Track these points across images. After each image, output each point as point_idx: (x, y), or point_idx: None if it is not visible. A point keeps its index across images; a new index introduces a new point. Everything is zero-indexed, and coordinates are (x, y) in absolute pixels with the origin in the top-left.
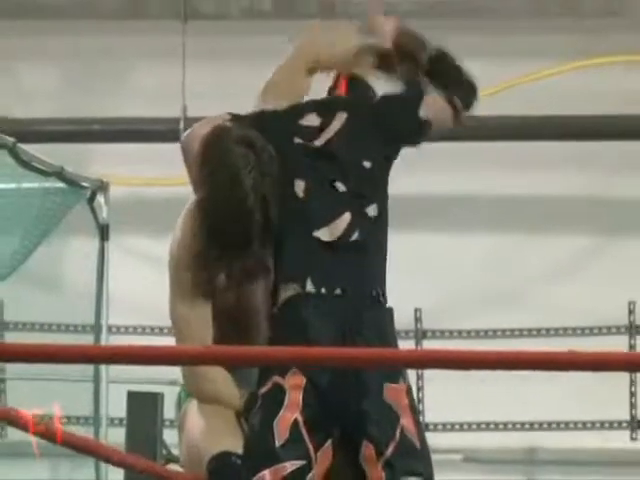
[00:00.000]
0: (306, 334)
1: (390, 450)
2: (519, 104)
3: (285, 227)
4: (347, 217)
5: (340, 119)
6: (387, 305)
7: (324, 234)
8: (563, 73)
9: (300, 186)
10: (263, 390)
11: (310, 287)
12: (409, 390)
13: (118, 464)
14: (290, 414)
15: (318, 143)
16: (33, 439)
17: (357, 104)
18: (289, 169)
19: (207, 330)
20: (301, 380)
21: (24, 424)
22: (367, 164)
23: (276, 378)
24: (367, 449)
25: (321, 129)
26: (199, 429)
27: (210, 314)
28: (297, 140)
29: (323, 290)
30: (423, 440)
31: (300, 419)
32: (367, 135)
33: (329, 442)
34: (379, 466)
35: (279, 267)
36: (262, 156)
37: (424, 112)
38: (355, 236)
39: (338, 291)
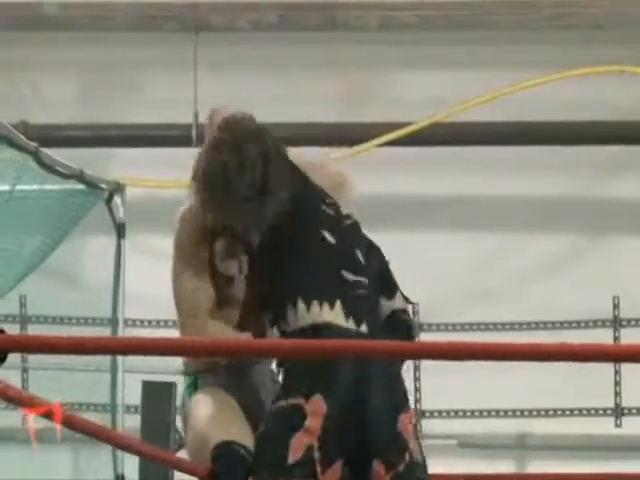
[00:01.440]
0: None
1: (398, 469)
2: (506, 111)
3: (314, 259)
4: (365, 280)
5: None
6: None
7: (350, 276)
8: (549, 82)
9: (330, 238)
10: (285, 403)
11: (339, 311)
12: (412, 414)
13: (134, 452)
14: (307, 438)
15: (343, 222)
16: (57, 427)
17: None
18: (318, 219)
19: (205, 299)
20: (322, 407)
21: (20, 403)
22: (374, 264)
23: (300, 400)
24: (378, 467)
25: None
26: (205, 419)
27: (209, 289)
28: (324, 207)
29: (351, 321)
30: (422, 452)
31: (315, 445)
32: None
33: (339, 462)
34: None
35: (300, 287)
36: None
37: None
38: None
39: (364, 328)
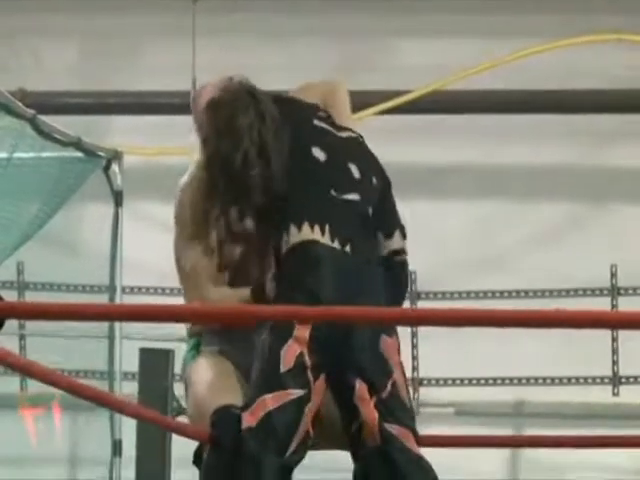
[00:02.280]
0: (319, 272)
1: (383, 395)
2: (506, 79)
3: (302, 180)
4: (357, 197)
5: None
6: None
7: (339, 196)
8: (548, 51)
9: (320, 154)
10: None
11: (327, 234)
12: (399, 348)
13: (132, 415)
14: (297, 346)
15: (338, 134)
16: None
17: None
18: (308, 138)
19: (206, 267)
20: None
21: (20, 369)
22: (374, 181)
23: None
24: (361, 387)
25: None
26: (205, 385)
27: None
28: (317, 122)
29: (336, 242)
30: (410, 399)
31: (305, 352)
32: (375, 171)
33: (322, 377)
34: (372, 405)
35: (292, 210)
36: (265, 113)
37: None
38: (365, 210)
39: (348, 248)
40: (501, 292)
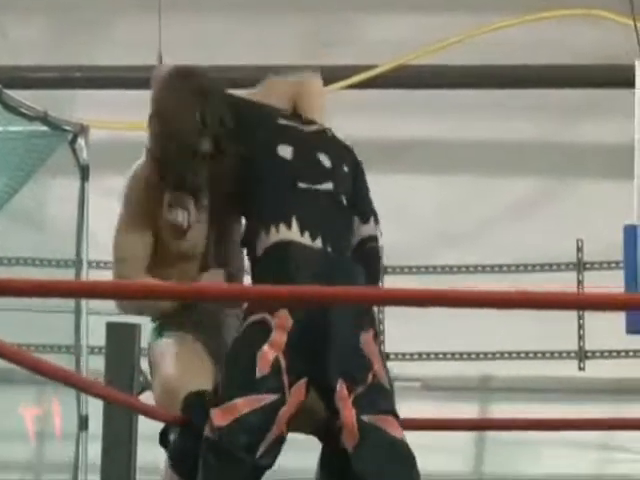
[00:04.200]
0: (291, 279)
1: (361, 389)
2: (472, 54)
3: (270, 178)
4: (330, 186)
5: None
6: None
7: (308, 187)
8: (517, 25)
9: (287, 150)
10: (250, 320)
11: (295, 228)
12: (376, 335)
13: (98, 396)
14: (273, 351)
15: (305, 128)
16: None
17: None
18: (272, 137)
19: (143, 252)
20: (288, 322)
21: None
22: (346, 169)
23: (265, 315)
24: (341, 388)
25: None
26: (172, 368)
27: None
28: (282, 121)
29: (307, 234)
30: (390, 380)
31: (281, 358)
32: (347, 160)
33: (303, 380)
34: (350, 402)
35: (260, 211)
36: (211, 116)
37: None
38: (339, 199)
39: (319, 242)
40: (468, 267)
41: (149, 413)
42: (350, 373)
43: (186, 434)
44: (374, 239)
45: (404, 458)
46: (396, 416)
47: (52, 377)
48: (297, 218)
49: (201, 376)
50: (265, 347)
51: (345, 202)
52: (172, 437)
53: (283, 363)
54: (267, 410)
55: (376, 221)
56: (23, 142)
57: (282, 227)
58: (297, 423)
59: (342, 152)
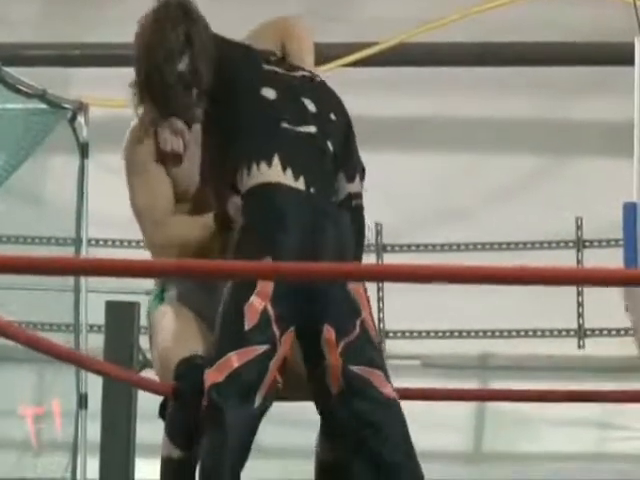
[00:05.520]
0: (284, 224)
1: (350, 338)
2: (473, 32)
3: (251, 116)
4: (313, 130)
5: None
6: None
7: (291, 128)
8: (514, 3)
9: (270, 92)
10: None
11: (277, 166)
12: (366, 290)
13: (98, 372)
14: (260, 301)
15: (291, 73)
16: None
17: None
18: (256, 80)
19: (165, 201)
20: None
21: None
22: (333, 117)
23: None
24: (328, 333)
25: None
26: (168, 335)
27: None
28: (267, 66)
29: (289, 173)
30: (380, 341)
31: (269, 307)
32: (336, 110)
33: (292, 329)
34: (338, 351)
35: (241, 148)
36: (195, 36)
37: None
38: (324, 145)
39: (312, 189)
40: (466, 244)
41: (148, 387)
42: (338, 319)
43: (180, 403)
44: (358, 196)
45: (393, 414)
46: (386, 374)
47: (52, 355)
48: (279, 157)
49: (195, 343)
50: (252, 298)
51: (331, 149)
52: (169, 407)
53: (272, 312)
54: (260, 360)
55: (362, 178)
56: (22, 120)
57: (263, 165)
58: (292, 391)
59: (331, 100)
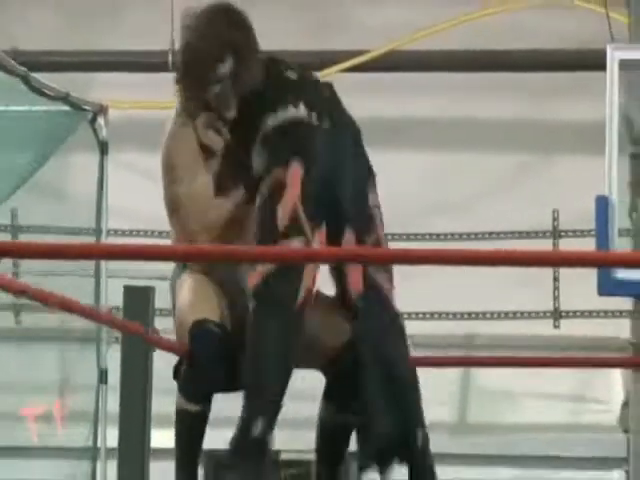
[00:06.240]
0: (311, 145)
1: (368, 242)
2: (460, 39)
3: (279, 77)
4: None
5: None
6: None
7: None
8: (501, 13)
9: (293, 74)
10: (266, 182)
11: (314, 115)
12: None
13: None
14: (290, 200)
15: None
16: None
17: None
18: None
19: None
20: (300, 172)
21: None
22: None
23: (277, 171)
24: (349, 235)
25: None
26: (187, 299)
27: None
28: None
29: (314, 115)
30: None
31: (299, 205)
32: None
33: (323, 227)
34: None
35: (275, 95)
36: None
37: None
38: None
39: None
40: (454, 234)
41: (165, 346)
42: (357, 225)
43: (193, 361)
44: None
45: (400, 333)
46: (391, 275)
47: (84, 315)
48: (311, 103)
49: (209, 308)
50: (284, 198)
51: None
52: (183, 366)
53: (301, 210)
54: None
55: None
56: (46, 121)
57: (290, 107)
58: (304, 358)
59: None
